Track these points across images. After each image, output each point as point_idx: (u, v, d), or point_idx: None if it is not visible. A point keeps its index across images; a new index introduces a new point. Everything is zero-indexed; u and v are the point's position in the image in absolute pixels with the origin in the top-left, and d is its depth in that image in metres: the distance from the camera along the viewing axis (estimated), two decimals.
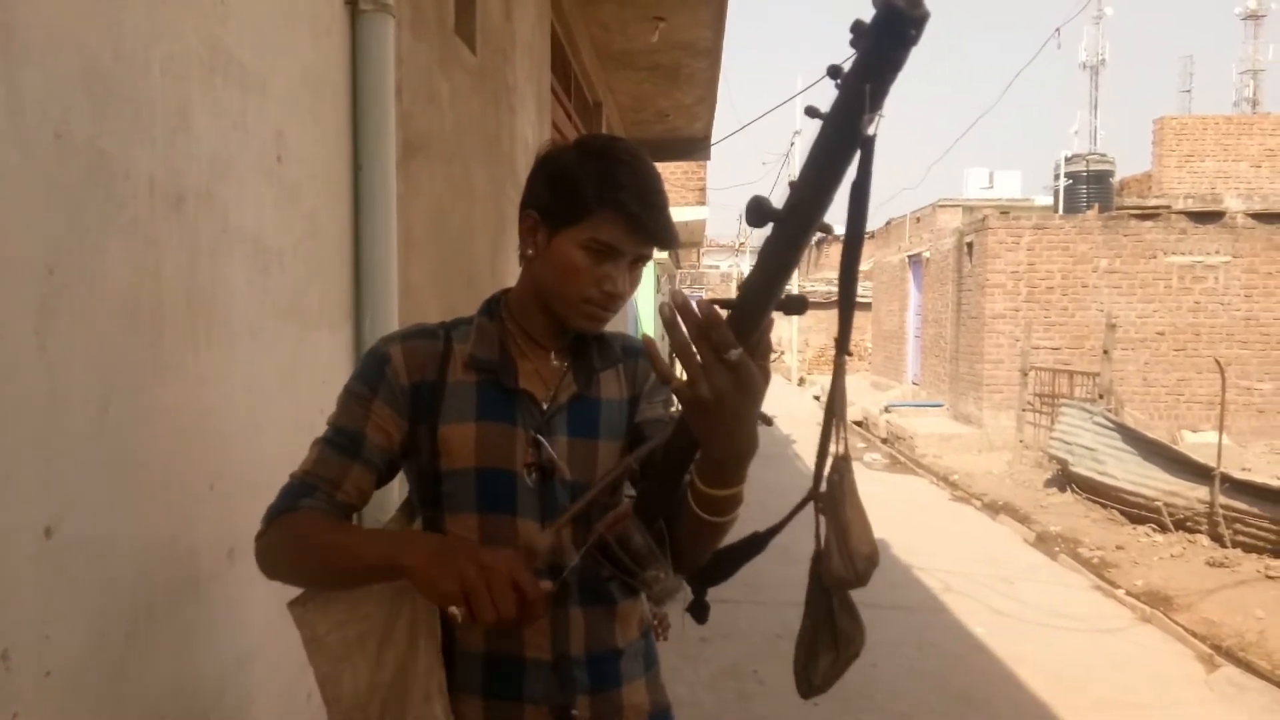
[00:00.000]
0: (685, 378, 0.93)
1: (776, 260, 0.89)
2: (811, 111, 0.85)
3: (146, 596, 1.32)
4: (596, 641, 1.28)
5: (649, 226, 1.20)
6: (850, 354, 1.00)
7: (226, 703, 1.55)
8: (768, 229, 0.88)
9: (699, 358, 0.92)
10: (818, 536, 1.06)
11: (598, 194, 1.18)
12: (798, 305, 0.97)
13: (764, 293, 0.91)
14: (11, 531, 1.05)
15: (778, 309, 0.94)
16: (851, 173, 0.84)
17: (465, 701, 1.25)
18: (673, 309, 0.93)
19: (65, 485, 1.14)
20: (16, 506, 1.06)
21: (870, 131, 0.81)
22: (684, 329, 0.92)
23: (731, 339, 0.91)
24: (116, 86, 1.25)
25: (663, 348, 1.03)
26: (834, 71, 0.82)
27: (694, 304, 0.92)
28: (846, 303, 0.95)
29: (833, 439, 1.01)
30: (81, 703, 1.17)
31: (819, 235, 0.90)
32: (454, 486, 1.23)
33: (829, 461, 1.04)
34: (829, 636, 1.10)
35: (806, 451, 12.19)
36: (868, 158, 0.84)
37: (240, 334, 1.60)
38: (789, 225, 0.87)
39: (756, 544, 1.16)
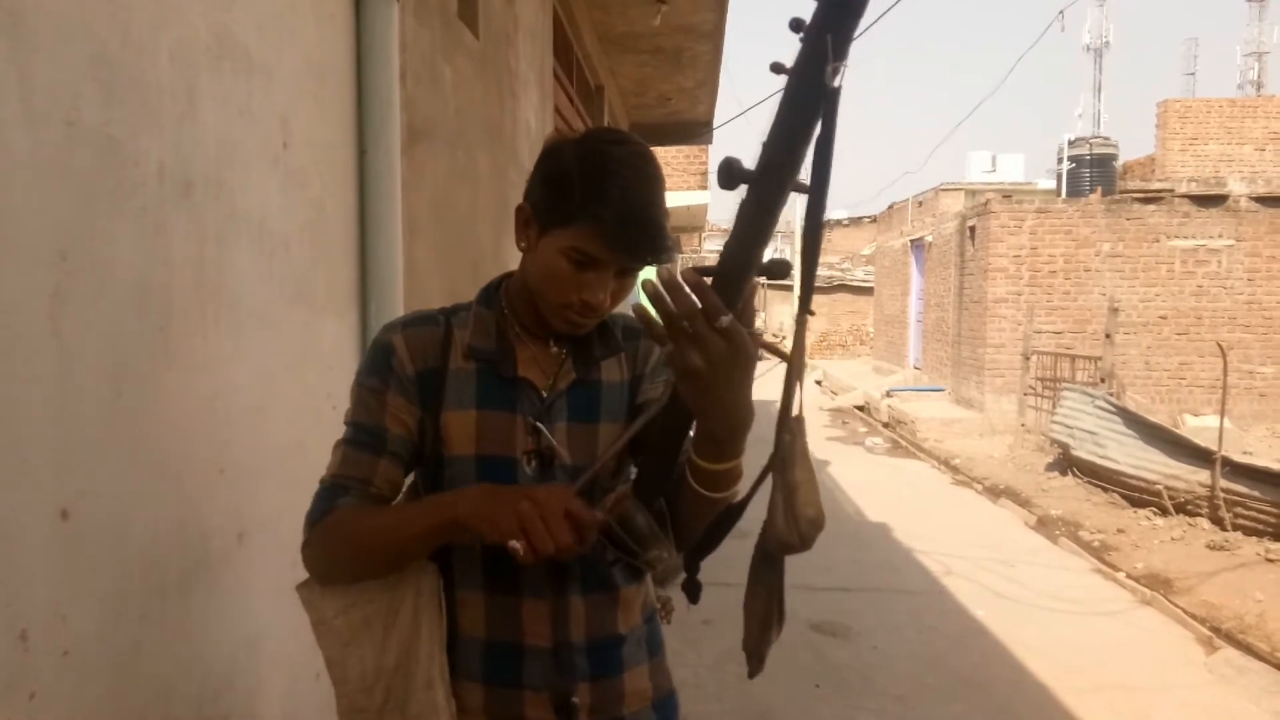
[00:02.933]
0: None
1: (753, 223, 0.88)
2: (776, 67, 0.83)
3: (159, 578, 1.34)
4: (598, 628, 1.28)
5: (630, 244, 1.15)
6: (812, 313, 0.98)
7: (237, 683, 1.58)
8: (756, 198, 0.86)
9: (690, 328, 0.91)
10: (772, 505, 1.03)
11: (583, 204, 1.14)
12: (780, 269, 0.96)
13: (744, 257, 0.90)
14: (28, 513, 1.07)
15: (760, 274, 0.93)
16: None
17: (466, 687, 1.25)
18: (655, 285, 0.93)
19: (80, 468, 1.16)
20: (33, 488, 1.08)
21: (835, 83, 0.80)
22: (670, 301, 0.91)
23: (722, 305, 0.90)
24: (125, 73, 1.25)
25: None
26: (796, 24, 0.80)
27: (680, 277, 0.92)
28: (810, 260, 0.93)
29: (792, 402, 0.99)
30: (97, 682, 1.19)
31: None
32: (455, 473, 1.24)
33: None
34: (778, 612, 1.09)
35: (809, 435, 12.18)
36: (832, 111, 0.82)
37: (248, 319, 1.61)
38: (762, 186, 0.85)
39: (734, 514, 1.15)
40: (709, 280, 0.91)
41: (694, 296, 0.91)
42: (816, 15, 0.78)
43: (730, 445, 1.05)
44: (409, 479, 1.32)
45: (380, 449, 1.23)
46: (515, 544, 1.03)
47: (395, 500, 1.27)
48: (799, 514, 0.98)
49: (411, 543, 1.16)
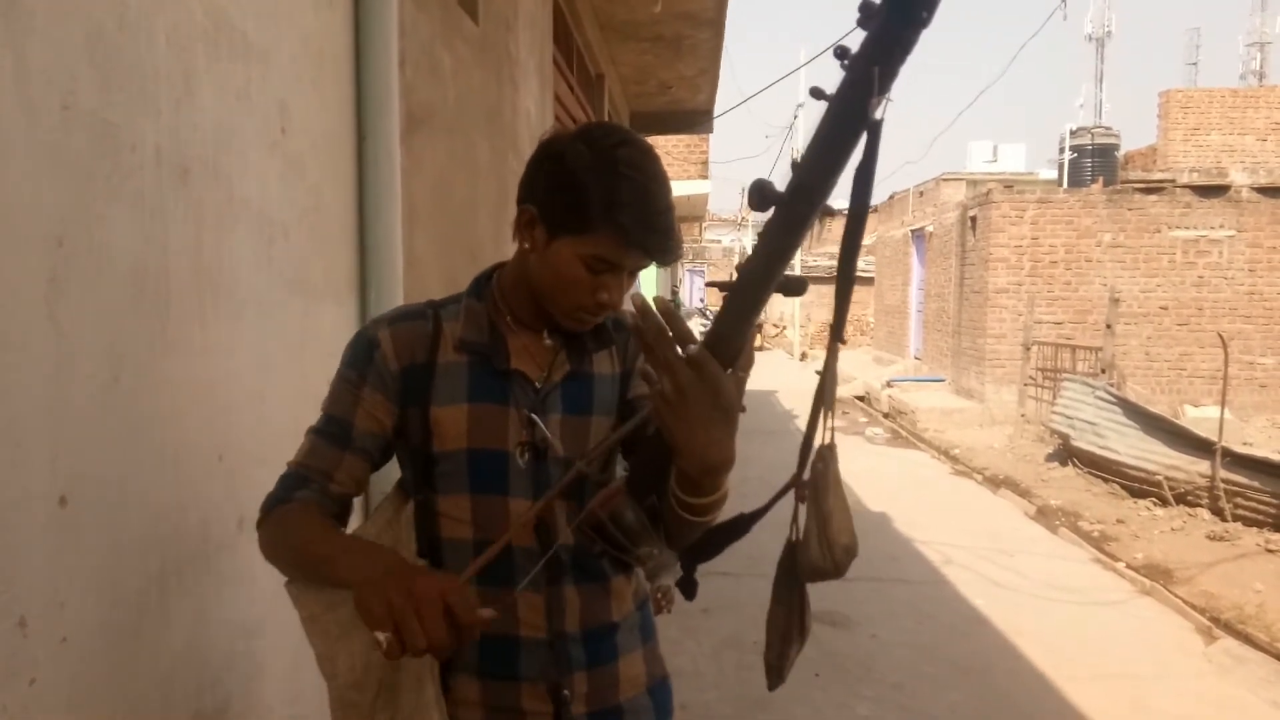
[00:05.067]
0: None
1: (777, 244, 0.87)
2: (817, 93, 0.83)
3: (158, 565, 1.34)
4: (592, 617, 1.29)
5: (651, 248, 1.18)
6: (843, 342, 0.97)
7: (237, 670, 1.58)
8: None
9: (661, 355, 0.91)
10: (794, 526, 1.03)
11: (602, 212, 1.14)
12: (797, 287, 0.95)
13: (763, 275, 0.89)
14: (26, 499, 1.07)
15: (778, 290, 0.92)
16: (857, 156, 0.82)
17: (462, 681, 1.26)
18: (632, 314, 0.92)
19: (77, 455, 1.15)
20: (31, 475, 1.07)
21: (878, 115, 0.79)
22: (646, 331, 0.91)
23: (690, 334, 0.90)
24: (122, 57, 1.24)
25: None
26: (841, 53, 0.80)
27: (651, 302, 0.91)
28: (844, 288, 0.92)
29: (819, 427, 0.98)
30: (96, 668, 1.19)
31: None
32: (446, 468, 1.23)
33: (814, 449, 1.00)
34: (800, 628, 1.07)
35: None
36: (874, 142, 0.82)
37: (246, 306, 1.60)
38: (792, 209, 0.85)
39: (741, 526, 1.12)
40: (726, 293, 0.91)
41: (662, 321, 0.91)
42: (865, 47, 0.77)
43: (706, 483, 1.03)
44: (398, 475, 1.32)
45: (346, 443, 1.23)
46: (380, 636, 0.95)
47: (359, 495, 1.28)
48: (833, 542, 0.98)
49: (325, 578, 1.13)
